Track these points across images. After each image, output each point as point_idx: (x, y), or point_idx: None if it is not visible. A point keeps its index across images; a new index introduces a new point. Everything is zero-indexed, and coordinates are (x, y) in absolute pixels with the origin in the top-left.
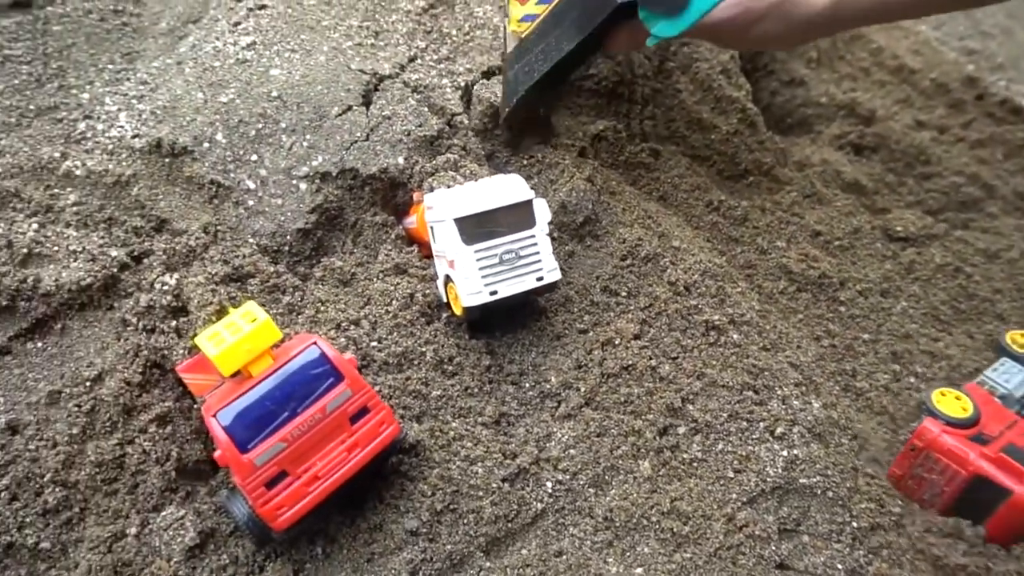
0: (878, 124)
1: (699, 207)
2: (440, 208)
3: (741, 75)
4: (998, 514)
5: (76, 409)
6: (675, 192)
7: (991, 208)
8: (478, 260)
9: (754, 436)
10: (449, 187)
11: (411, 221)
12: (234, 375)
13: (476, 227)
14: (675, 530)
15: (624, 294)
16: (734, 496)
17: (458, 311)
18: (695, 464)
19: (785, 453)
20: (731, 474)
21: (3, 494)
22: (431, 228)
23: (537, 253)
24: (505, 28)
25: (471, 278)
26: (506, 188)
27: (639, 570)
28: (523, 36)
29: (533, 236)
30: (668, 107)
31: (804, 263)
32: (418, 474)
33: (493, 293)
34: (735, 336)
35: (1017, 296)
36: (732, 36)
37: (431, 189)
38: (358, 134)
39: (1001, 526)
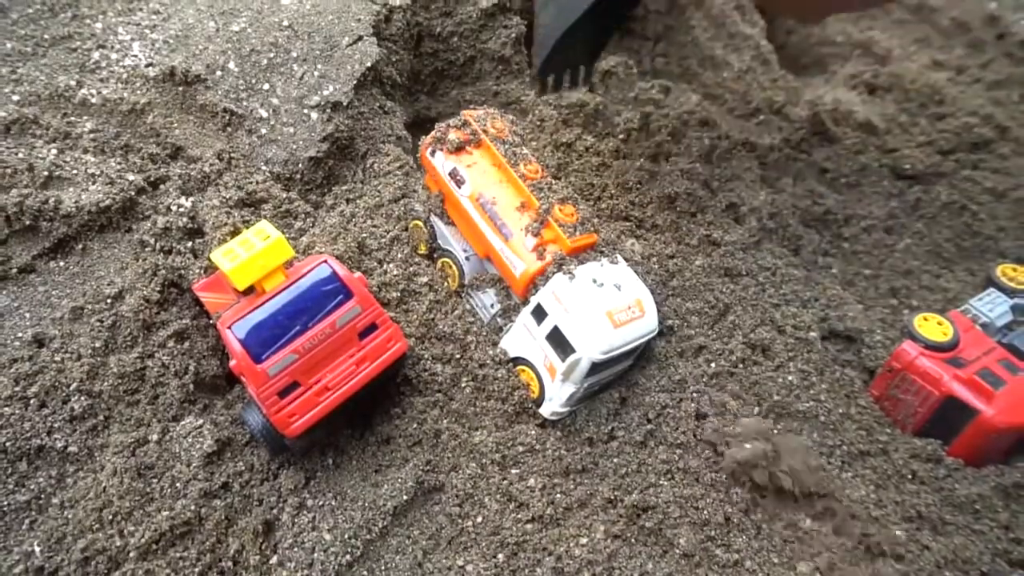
0: (894, 64)
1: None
2: (576, 328)
3: (756, 12)
4: (965, 434)
5: (99, 324)
6: (684, 129)
7: (1003, 149)
8: (583, 389)
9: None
10: (571, 275)
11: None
12: (247, 292)
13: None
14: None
15: None
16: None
17: (534, 397)
18: None
19: (781, 380)
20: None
21: (32, 401)
22: (544, 314)
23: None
24: None
25: (563, 399)
26: (645, 319)
27: None
28: None
29: (629, 365)
30: (681, 44)
31: (809, 199)
32: (425, 389)
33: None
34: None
35: (1021, 234)
36: None
37: (562, 269)
38: (368, 64)
39: (967, 446)
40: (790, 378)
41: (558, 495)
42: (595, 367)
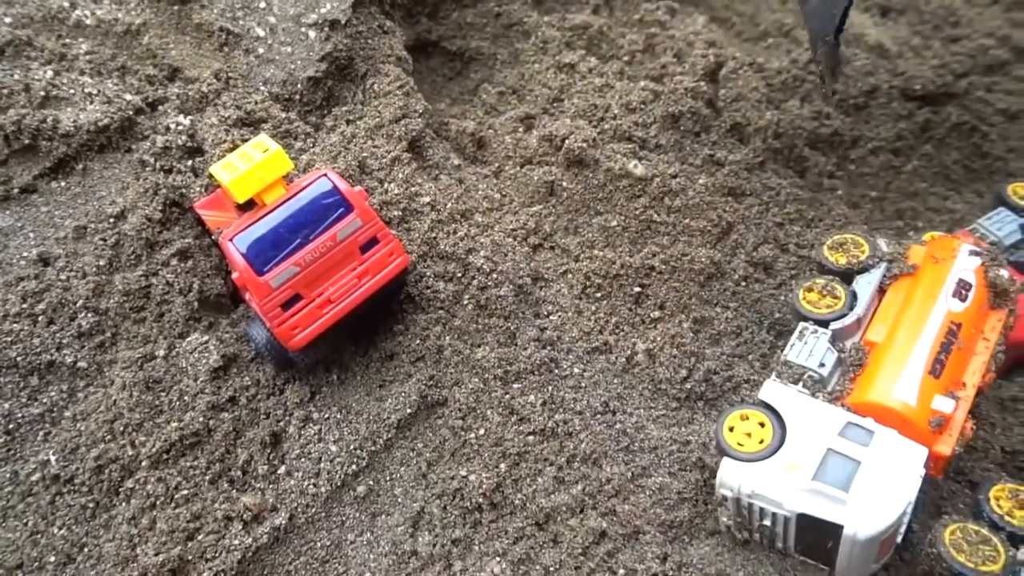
0: None
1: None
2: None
3: None
4: None
5: (102, 243)
6: (689, 50)
7: (1019, 71)
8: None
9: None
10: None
11: None
12: (247, 207)
13: None
14: None
15: None
16: None
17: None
18: None
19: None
20: None
21: (40, 318)
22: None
23: None
24: None
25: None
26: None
27: None
28: None
29: None
30: None
31: (816, 121)
32: (427, 306)
33: None
34: None
35: None
36: None
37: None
38: None
39: None
40: (790, 295)
41: (558, 412)
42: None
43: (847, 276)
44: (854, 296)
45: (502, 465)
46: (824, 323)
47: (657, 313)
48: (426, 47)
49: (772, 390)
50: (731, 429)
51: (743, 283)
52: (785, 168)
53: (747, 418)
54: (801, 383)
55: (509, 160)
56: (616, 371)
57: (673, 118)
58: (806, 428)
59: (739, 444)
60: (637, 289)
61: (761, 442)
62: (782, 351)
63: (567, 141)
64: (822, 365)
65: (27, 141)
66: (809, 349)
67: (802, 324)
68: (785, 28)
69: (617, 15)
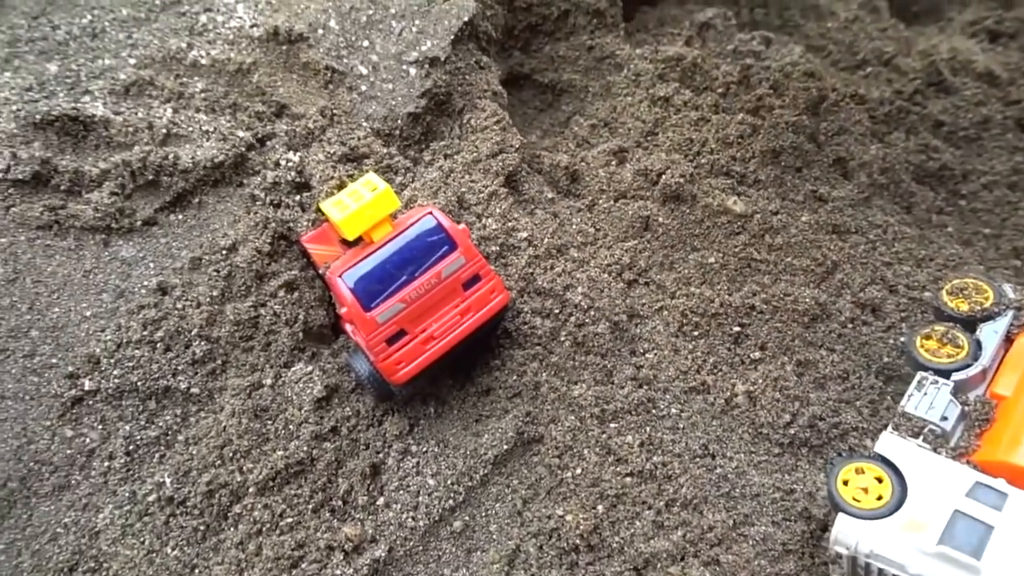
0: (1021, 7)
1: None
2: None
3: None
4: None
5: (215, 274)
6: (786, 81)
7: None
8: None
9: None
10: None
11: None
12: (353, 243)
13: None
14: None
15: None
16: None
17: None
18: None
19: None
20: None
21: (159, 345)
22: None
23: None
24: None
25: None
26: None
27: None
28: None
29: None
30: None
31: (923, 154)
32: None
33: None
34: None
35: None
36: None
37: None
38: (466, 18)
39: None
40: (901, 339)
41: (656, 454)
42: None
43: (968, 323)
44: (978, 345)
45: (599, 506)
46: (945, 373)
47: (758, 354)
48: (518, 80)
49: (890, 443)
50: (845, 482)
51: (849, 325)
52: (891, 204)
53: (863, 472)
54: (921, 437)
55: (603, 194)
56: (715, 413)
57: (774, 153)
58: (929, 486)
59: (855, 499)
60: (737, 329)
61: (879, 498)
62: (899, 402)
63: (664, 176)
64: (944, 419)
65: (150, 177)
66: (929, 401)
67: (920, 374)
68: (885, 57)
69: (710, 46)
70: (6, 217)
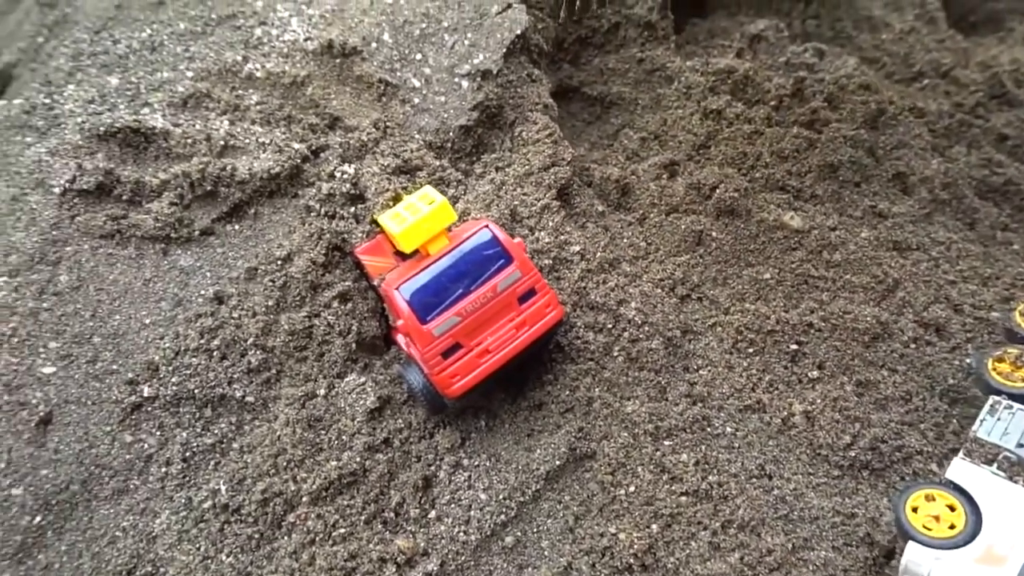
0: None
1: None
2: None
3: None
4: None
5: (271, 284)
6: (840, 94)
7: None
8: None
9: None
10: None
11: None
12: (409, 255)
13: None
14: None
15: None
16: None
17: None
18: None
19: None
20: None
21: (215, 353)
22: None
23: None
24: None
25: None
26: None
27: None
28: None
29: None
30: (834, 4)
31: (986, 169)
32: (577, 357)
33: None
34: None
35: None
36: None
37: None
38: (518, 31)
39: None
40: (968, 360)
41: (712, 473)
42: None
43: None
44: None
45: (654, 525)
46: (1020, 398)
47: (816, 373)
48: (567, 92)
49: (962, 470)
50: (915, 510)
51: (912, 345)
52: (954, 220)
53: (933, 499)
54: (996, 464)
55: (654, 208)
56: (771, 432)
57: (831, 167)
58: (1006, 516)
59: (926, 527)
60: (794, 346)
61: (952, 527)
62: (967, 426)
63: (717, 190)
64: (1021, 446)
65: (209, 187)
66: (1004, 427)
67: (993, 398)
68: (943, 68)
69: (762, 58)
70: (71, 226)
